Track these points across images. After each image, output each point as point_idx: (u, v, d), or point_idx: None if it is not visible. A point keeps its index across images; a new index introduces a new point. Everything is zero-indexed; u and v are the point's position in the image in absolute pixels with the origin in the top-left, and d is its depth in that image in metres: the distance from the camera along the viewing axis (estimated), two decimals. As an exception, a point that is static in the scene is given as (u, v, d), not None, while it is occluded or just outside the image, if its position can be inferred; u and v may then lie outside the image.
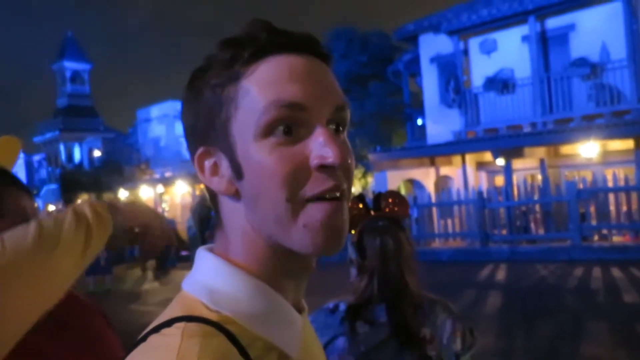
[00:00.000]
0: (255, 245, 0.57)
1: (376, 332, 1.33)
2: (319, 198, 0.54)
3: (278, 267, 0.57)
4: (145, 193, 26.44)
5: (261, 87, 0.55)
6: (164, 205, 27.01)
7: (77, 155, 39.72)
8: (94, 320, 1.10)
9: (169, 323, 0.52)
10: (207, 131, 0.58)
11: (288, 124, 0.54)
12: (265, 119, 0.54)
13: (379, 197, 1.45)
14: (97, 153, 34.02)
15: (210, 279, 0.57)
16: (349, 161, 0.56)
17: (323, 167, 0.54)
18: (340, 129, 0.58)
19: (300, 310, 0.61)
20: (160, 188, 25.71)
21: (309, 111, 0.54)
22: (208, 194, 0.61)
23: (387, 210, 1.42)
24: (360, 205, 1.43)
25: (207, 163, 0.58)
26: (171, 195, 26.64)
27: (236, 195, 0.57)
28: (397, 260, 1.36)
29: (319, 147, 0.54)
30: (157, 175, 27.86)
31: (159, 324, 0.53)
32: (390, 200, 1.43)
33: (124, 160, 30.11)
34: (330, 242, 0.54)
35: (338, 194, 0.55)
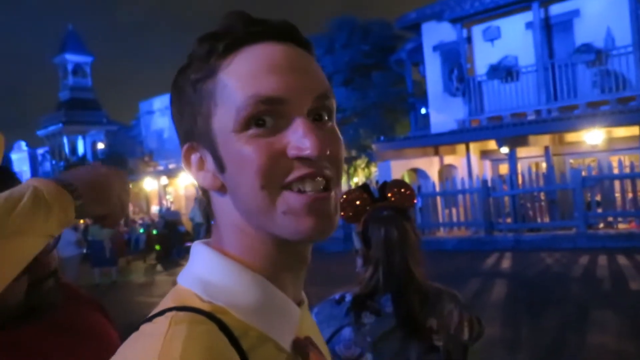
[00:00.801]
0: (247, 237, 0.57)
1: (382, 323, 1.32)
2: (299, 191, 0.53)
3: (272, 259, 0.57)
4: (149, 185, 26.48)
5: (238, 80, 0.54)
6: (168, 197, 27.07)
7: (80, 148, 39.81)
8: (91, 314, 1.08)
9: (161, 313, 0.53)
10: (191, 128, 0.58)
11: (266, 118, 0.54)
12: (243, 114, 0.53)
13: (384, 186, 1.43)
14: (100, 146, 34.07)
15: (204, 272, 0.57)
16: (334, 150, 0.55)
17: (300, 159, 0.53)
18: (326, 117, 0.57)
19: (299, 303, 0.60)
20: (164, 180, 25.75)
21: (288, 103, 0.54)
22: (200, 189, 0.61)
23: (392, 199, 1.40)
24: (365, 195, 1.41)
25: (194, 158, 0.59)
26: (175, 187, 26.70)
27: (222, 189, 0.57)
28: (402, 250, 1.34)
29: (297, 138, 0.53)
30: (160, 167, 27.89)
31: (151, 315, 0.53)
32: (395, 189, 1.41)
33: (128, 153, 30.13)
34: (315, 226, 0.54)
35: (322, 186, 0.54)
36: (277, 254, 0.57)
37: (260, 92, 0.53)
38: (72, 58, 44.04)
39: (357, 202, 1.39)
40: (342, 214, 1.40)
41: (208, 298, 0.54)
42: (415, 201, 1.44)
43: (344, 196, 1.41)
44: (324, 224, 0.54)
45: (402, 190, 1.42)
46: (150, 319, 0.53)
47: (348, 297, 1.37)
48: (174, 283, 0.59)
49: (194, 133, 0.58)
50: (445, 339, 1.34)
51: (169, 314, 0.52)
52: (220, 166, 0.56)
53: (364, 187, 1.44)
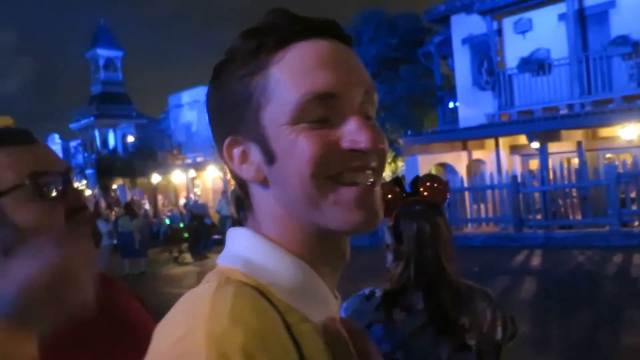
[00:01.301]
0: (289, 228, 0.58)
1: (413, 320, 1.30)
2: (348, 183, 0.55)
3: (313, 251, 0.58)
4: (178, 178, 26.86)
5: (292, 76, 0.55)
6: (196, 189, 27.42)
7: (111, 141, 40.60)
8: (130, 302, 1.09)
9: (205, 283, 0.55)
10: (235, 122, 0.59)
11: (320, 112, 0.55)
12: (298, 109, 0.55)
13: (416, 180, 1.41)
14: (130, 139, 34.67)
15: (247, 252, 0.58)
16: (381, 146, 0.57)
17: (354, 151, 0.55)
18: (370, 115, 0.59)
19: (333, 291, 0.61)
20: (192, 173, 26.08)
21: (341, 98, 0.55)
22: (237, 182, 0.62)
23: (425, 194, 1.38)
24: (397, 189, 1.39)
25: (236, 152, 0.59)
26: (203, 180, 27.02)
27: (264, 182, 0.58)
28: (434, 245, 1.32)
29: (352, 131, 0.55)
30: (189, 160, 28.25)
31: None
32: (428, 183, 1.39)
33: (157, 146, 30.59)
34: (364, 218, 0.55)
35: (371, 180, 0.56)
36: (318, 246, 0.58)
37: (314, 88, 0.54)
38: (103, 53, 44.87)
39: (389, 196, 1.38)
40: None
41: (252, 275, 0.55)
42: (448, 196, 1.41)
43: None
44: (372, 217, 0.56)
45: (435, 184, 1.40)
46: (194, 289, 0.54)
47: (378, 293, 1.35)
48: (202, 274, 0.59)
49: (238, 127, 0.59)
50: (478, 338, 1.31)
51: (215, 280, 0.53)
52: (270, 158, 0.57)
53: (396, 181, 1.41)
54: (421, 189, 1.39)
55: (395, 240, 1.36)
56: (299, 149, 0.54)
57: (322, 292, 0.58)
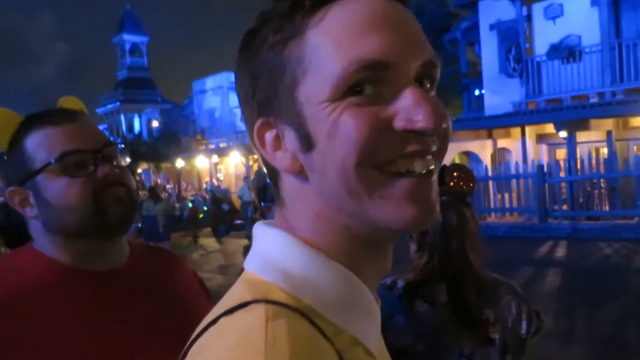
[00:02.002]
0: (331, 228, 0.49)
1: (436, 312, 1.28)
2: (402, 173, 0.46)
3: (357, 252, 0.50)
4: (201, 163, 27.12)
5: (335, 40, 0.45)
6: (219, 175, 27.66)
7: (136, 126, 41.14)
8: (180, 274, 1.11)
9: (242, 306, 0.45)
10: (267, 99, 0.49)
11: (367, 85, 0.45)
12: (344, 81, 0.45)
13: (443, 170, 1.37)
14: (155, 124, 35.08)
15: (284, 261, 0.49)
16: (444, 125, 0.46)
17: (410, 132, 0.45)
18: (428, 85, 0.49)
19: (375, 299, 0.54)
20: (215, 158, 26.30)
21: (396, 68, 0.45)
22: (267, 171, 0.54)
23: (451, 184, 1.34)
24: None
25: (268, 136, 0.50)
26: (226, 165, 27.23)
27: (302, 173, 0.49)
28: (460, 237, 1.29)
29: (408, 108, 0.45)
30: (212, 146, 28.47)
31: (230, 307, 0.46)
32: (455, 174, 1.35)
33: (181, 131, 30.90)
34: (418, 214, 0.46)
35: (430, 168, 0.47)
36: (362, 246, 0.50)
37: (364, 54, 0.44)
38: (129, 38, 45.32)
39: None
40: None
41: (293, 293, 0.47)
42: (475, 187, 1.37)
43: None
44: (426, 212, 0.47)
45: (462, 175, 1.36)
46: (229, 312, 0.45)
47: (400, 284, 1.33)
48: (224, 259, 0.54)
49: (271, 106, 0.49)
50: (502, 332, 1.28)
51: (258, 306, 0.44)
52: (308, 143, 0.47)
53: None
54: (447, 180, 1.36)
55: (419, 232, 1.33)
56: (342, 130, 0.45)
57: (368, 302, 0.50)
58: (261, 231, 0.53)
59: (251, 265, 0.51)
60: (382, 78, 0.46)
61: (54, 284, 0.92)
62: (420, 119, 0.45)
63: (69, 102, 1.05)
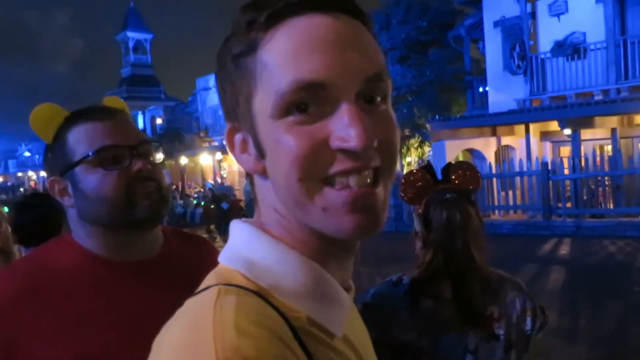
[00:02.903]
0: (288, 224, 0.53)
1: (440, 308, 1.28)
2: (342, 186, 0.48)
3: (315, 247, 0.53)
4: (205, 160, 27.15)
5: (277, 60, 0.49)
6: (222, 172, 27.68)
7: (140, 122, 41.22)
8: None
9: (204, 289, 0.51)
10: (232, 107, 0.54)
11: (309, 103, 0.48)
12: (283, 100, 0.48)
13: (448, 167, 1.37)
14: (158, 121, 35.14)
15: (248, 250, 0.54)
16: (386, 138, 0.50)
17: (344, 151, 0.48)
18: (379, 99, 0.51)
19: (346, 289, 0.57)
20: (218, 155, 26.33)
21: (333, 87, 0.48)
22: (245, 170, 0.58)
23: (456, 181, 1.35)
24: (428, 176, 1.36)
25: (237, 139, 0.55)
26: (229, 163, 27.25)
27: (265, 174, 0.53)
28: (464, 234, 1.29)
29: (341, 127, 0.47)
30: (216, 143, 28.50)
31: (195, 292, 0.52)
32: (460, 171, 1.35)
33: (184, 128, 30.94)
34: (358, 224, 0.49)
35: (369, 180, 0.49)
36: (319, 243, 0.53)
37: (301, 76, 0.47)
38: (133, 35, 45.43)
39: (419, 184, 1.35)
40: (402, 195, 1.36)
41: (253, 278, 0.52)
42: (480, 184, 1.37)
43: (406, 177, 1.36)
44: (368, 222, 0.49)
45: (467, 172, 1.36)
46: (193, 296, 0.51)
47: (405, 280, 1.33)
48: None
49: (236, 113, 0.54)
50: (507, 328, 1.29)
51: (214, 287, 0.50)
52: (260, 152, 0.52)
53: (427, 168, 1.39)
54: (453, 177, 1.36)
55: (424, 228, 1.34)
56: (284, 149, 0.48)
57: (331, 289, 0.53)
58: (234, 227, 0.57)
59: (222, 257, 0.56)
60: (322, 97, 0.48)
61: (85, 272, 0.98)
62: (350, 139, 0.47)
63: (112, 101, 1.12)
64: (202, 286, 0.52)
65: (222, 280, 0.51)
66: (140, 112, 41.12)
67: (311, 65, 0.47)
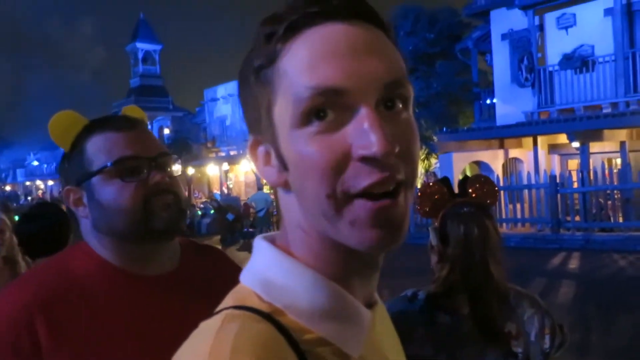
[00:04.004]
0: (311, 239, 0.53)
1: (458, 324, 1.26)
2: (366, 195, 0.48)
3: (338, 263, 0.52)
4: (212, 171, 27.23)
5: (296, 68, 0.49)
6: (229, 182, 27.74)
7: (148, 133, 41.43)
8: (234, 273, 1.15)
9: (218, 312, 0.51)
10: (255, 120, 0.54)
11: (328, 110, 0.48)
12: (301, 107, 0.48)
13: (465, 181, 1.36)
14: (166, 131, 35.34)
15: (267, 270, 0.54)
16: (407, 145, 0.49)
17: (367, 159, 0.47)
18: (400, 106, 0.50)
19: (371, 304, 0.56)
20: (225, 166, 26.40)
21: (351, 94, 0.48)
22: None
23: (473, 195, 1.32)
24: (444, 189, 1.34)
25: (260, 151, 0.55)
26: (236, 173, 27.30)
27: (288, 187, 0.53)
28: (482, 249, 1.27)
29: (362, 135, 0.47)
30: (222, 154, 28.59)
31: (213, 312, 0.52)
32: (477, 185, 1.34)
33: (192, 138, 31.07)
34: (381, 238, 0.48)
35: (391, 188, 0.48)
36: (343, 259, 0.52)
37: (319, 82, 0.47)
38: (142, 46, 45.88)
39: (436, 197, 1.33)
40: (418, 208, 1.34)
41: (268, 299, 0.52)
42: (497, 197, 1.35)
43: (422, 190, 1.34)
44: (391, 235, 0.49)
45: (484, 185, 1.35)
46: (208, 318, 0.52)
47: (421, 295, 1.31)
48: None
49: (258, 126, 0.53)
50: (525, 346, 1.26)
51: (224, 312, 0.50)
52: (282, 164, 0.52)
53: (444, 181, 1.37)
54: (470, 190, 1.34)
55: (440, 242, 1.32)
56: (308, 163, 0.48)
57: (349, 308, 0.52)
58: (257, 245, 0.57)
59: (243, 276, 0.56)
60: (340, 104, 0.48)
61: (104, 284, 0.96)
62: (371, 145, 0.46)
63: (132, 110, 1.11)
64: (220, 306, 0.53)
65: (236, 301, 0.52)
66: (148, 122, 41.47)
67: (329, 71, 0.47)
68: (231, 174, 27.73)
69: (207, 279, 1.03)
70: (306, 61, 0.48)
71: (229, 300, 0.54)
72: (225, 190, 25.83)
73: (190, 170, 27.69)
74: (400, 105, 0.50)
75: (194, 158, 28.01)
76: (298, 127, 0.49)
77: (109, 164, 0.96)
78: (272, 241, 0.56)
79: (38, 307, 0.89)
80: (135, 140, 0.99)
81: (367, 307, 0.55)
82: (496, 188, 1.37)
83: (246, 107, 0.55)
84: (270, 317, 0.49)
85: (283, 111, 0.50)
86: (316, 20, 0.49)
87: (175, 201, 1.00)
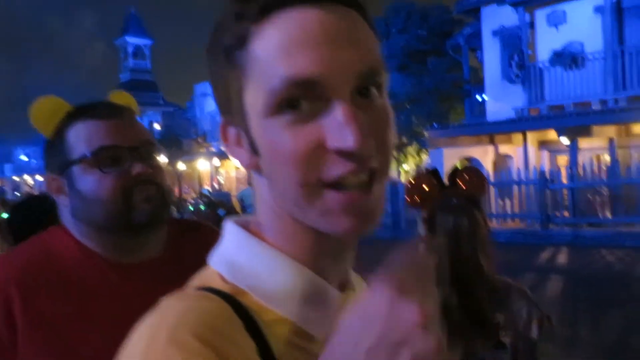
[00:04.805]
0: (282, 221, 0.52)
1: (447, 315, 1.25)
2: (338, 185, 0.47)
3: (310, 246, 0.52)
4: (203, 166, 27.13)
5: (269, 56, 0.47)
6: (219, 177, 27.65)
7: (138, 128, 41.17)
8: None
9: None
10: (226, 100, 0.52)
11: (302, 100, 0.47)
12: (274, 97, 0.47)
13: (454, 173, 1.35)
14: (157, 126, 35.14)
15: (233, 252, 0.54)
16: (382, 135, 0.48)
17: (341, 151, 0.46)
18: (374, 91, 0.49)
19: (345, 285, 0.56)
20: (216, 161, 26.30)
21: (326, 85, 0.46)
22: None
23: (463, 187, 1.32)
24: (434, 181, 1.34)
25: (231, 133, 0.53)
26: (227, 169, 27.23)
27: (259, 170, 0.52)
28: (471, 241, 1.27)
29: (337, 128, 0.46)
30: (213, 149, 28.49)
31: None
32: (466, 176, 1.33)
33: (183, 134, 30.93)
34: (352, 226, 0.48)
35: (365, 178, 0.48)
36: (314, 241, 0.52)
37: (293, 72, 0.46)
38: (132, 41, 45.49)
39: (426, 188, 1.32)
40: (408, 199, 1.34)
41: (232, 280, 0.51)
42: (486, 189, 1.36)
43: (412, 181, 1.34)
44: (363, 223, 0.48)
45: (473, 177, 1.35)
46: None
47: None
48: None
49: (229, 107, 0.52)
50: (513, 336, 1.27)
51: (181, 292, 0.50)
52: (254, 150, 0.50)
53: (434, 173, 1.36)
54: (459, 182, 1.34)
55: (429, 233, 1.31)
56: (280, 151, 0.47)
57: (317, 290, 0.52)
58: (225, 228, 0.57)
59: (210, 258, 0.56)
60: (314, 95, 0.46)
61: (82, 267, 0.95)
62: (347, 140, 0.45)
63: (119, 96, 1.06)
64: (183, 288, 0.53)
65: (200, 283, 0.52)
66: (138, 118, 41.18)
67: (304, 62, 0.46)
68: (222, 169, 27.65)
69: (196, 260, 1.02)
70: (280, 49, 0.46)
71: (193, 281, 0.54)
72: (217, 186, 25.76)
73: (181, 166, 27.59)
74: (374, 91, 0.49)
75: (184, 153, 27.89)
76: (271, 116, 0.47)
77: (87, 153, 0.94)
78: (245, 224, 0.55)
79: (14, 283, 0.88)
80: (117, 129, 0.96)
81: (341, 290, 0.54)
82: (485, 179, 1.37)
83: (216, 85, 0.53)
84: (229, 297, 0.48)
85: (255, 98, 0.48)
86: (291, 3, 0.47)
87: (158, 193, 0.97)
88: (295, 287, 0.51)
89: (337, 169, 0.47)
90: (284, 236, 0.52)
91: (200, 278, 0.54)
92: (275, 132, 0.47)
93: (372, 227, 0.49)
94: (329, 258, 0.53)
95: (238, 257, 0.53)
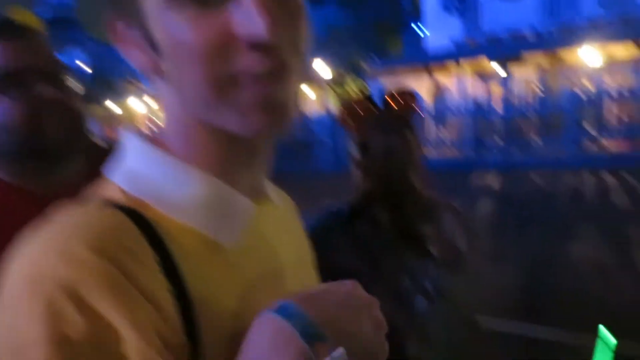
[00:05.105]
0: (189, 128, 0.49)
1: (378, 232, 1.29)
2: (250, 78, 0.43)
3: (219, 153, 0.49)
4: (137, 107, 26.06)
5: None
6: (155, 119, 26.74)
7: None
8: None
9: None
10: None
11: None
12: None
13: (387, 95, 1.35)
14: (84, 66, 33.16)
15: (133, 164, 0.49)
16: (295, 25, 0.45)
17: (251, 40, 0.42)
18: None
19: (258, 194, 0.54)
20: (152, 103, 25.29)
21: None
22: None
23: (394, 107, 1.33)
24: (367, 104, 1.34)
25: (124, 33, 0.47)
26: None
27: (160, 73, 0.47)
28: (402, 160, 1.27)
29: (246, 15, 0.42)
30: (145, 88, 27.32)
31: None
32: (397, 96, 1.34)
33: (114, 73, 29.40)
34: (268, 124, 0.45)
35: (278, 71, 0.44)
36: (224, 148, 0.49)
37: None
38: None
39: (359, 111, 1.32)
40: (342, 122, 1.34)
41: (133, 192, 0.47)
42: (418, 108, 1.34)
43: (346, 104, 1.34)
44: (275, 120, 0.45)
45: (405, 97, 1.33)
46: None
47: (343, 207, 1.31)
48: None
49: (119, 1, 0.46)
50: (441, 247, 1.32)
51: (77, 204, 0.46)
52: (154, 48, 0.45)
53: (367, 98, 1.36)
54: (391, 102, 1.33)
55: (362, 155, 1.30)
56: (185, 46, 0.42)
57: (225, 198, 0.49)
58: (123, 138, 0.52)
59: (106, 170, 0.51)
60: None
61: None
62: (256, 27, 0.41)
63: (21, 15, 0.96)
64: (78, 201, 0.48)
65: (95, 195, 0.48)
66: (43, 30, 38.82)
67: None
68: (159, 111, 26.68)
69: None
70: None
71: (88, 195, 0.49)
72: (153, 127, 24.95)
73: (114, 108, 26.40)
74: None
75: (115, 94, 26.63)
76: (171, 5, 0.42)
77: None
78: (146, 136, 0.51)
79: None
80: (21, 50, 0.88)
81: (256, 202, 0.52)
82: (416, 98, 1.37)
83: None
84: (129, 210, 0.44)
85: None
86: None
87: (70, 117, 0.90)
88: (202, 196, 0.48)
89: (247, 59, 0.43)
90: (190, 144, 0.49)
91: (96, 191, 0.49)
92: (178, 24, 0.43)
93: (284, 124, 0.46)
94: (238, 165, 0.50)
95: (139, 168, 0.49)
